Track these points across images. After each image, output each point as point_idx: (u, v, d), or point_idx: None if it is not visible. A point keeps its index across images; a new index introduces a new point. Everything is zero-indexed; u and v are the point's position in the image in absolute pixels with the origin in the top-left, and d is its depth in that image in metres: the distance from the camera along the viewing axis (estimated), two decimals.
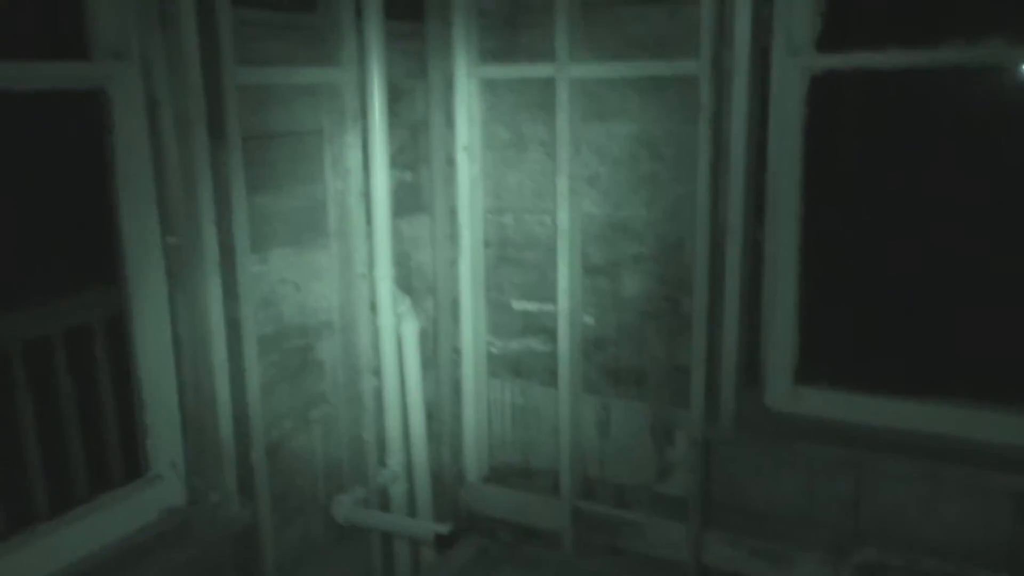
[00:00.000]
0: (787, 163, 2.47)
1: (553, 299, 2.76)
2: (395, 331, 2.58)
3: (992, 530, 2.33)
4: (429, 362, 2.81)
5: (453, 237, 2.83)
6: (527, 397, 2.93)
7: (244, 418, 2.11)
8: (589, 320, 2.77)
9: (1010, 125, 2.32)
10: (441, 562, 2.79)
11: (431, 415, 2.81)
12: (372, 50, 2.39)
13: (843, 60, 2.38)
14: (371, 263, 2.48)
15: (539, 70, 2.65)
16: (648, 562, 2.72)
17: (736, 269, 2.49)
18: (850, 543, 2.46)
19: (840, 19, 2.38)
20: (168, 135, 1.90)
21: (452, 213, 2.82)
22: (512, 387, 2.94)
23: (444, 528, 2.36)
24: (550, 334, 2.81)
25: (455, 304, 2.88)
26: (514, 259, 2.86)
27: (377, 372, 2.56)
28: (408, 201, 2.71)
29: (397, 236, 2.63)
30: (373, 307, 2.51)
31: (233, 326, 2.07)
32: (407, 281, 2.72)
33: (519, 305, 2.88)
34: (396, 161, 2.61)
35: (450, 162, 2.79)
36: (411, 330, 2.63)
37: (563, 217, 2.68)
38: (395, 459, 2.64)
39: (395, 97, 2.57)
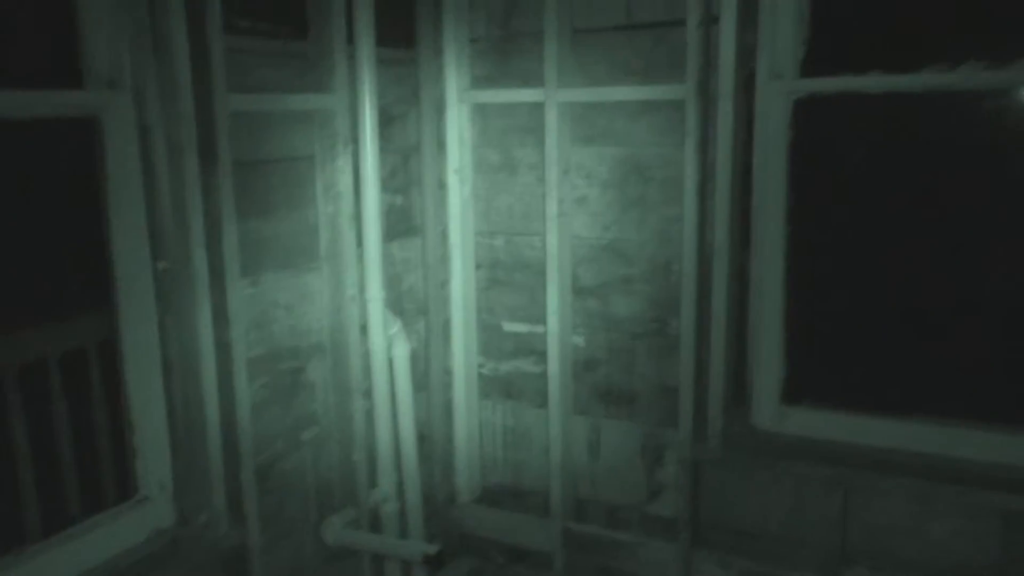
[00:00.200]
0: (772, 186, 2.50)
1: (543, 321, 2.78)
2: (386, 353, 2.61)
3: (981, 549, 2.34)
4: (420, 383, 2.83)
5: (444, 259, 2.86)
6: (518, 418, 2.95)
7: (233, 439, 2.13)
8: (579, 341, 2.80)
9: (994, 148, 2.35)
10: None
11: (423, 436, 2.83)
12: (364, 76, 2.43)
13: (826, 84, 2.42)
14: (362, 286, 2.51)
15: (529, 95, 2.69)
16: None
17: (723, 290, 2.51)
18: (839, 562, 2.47)
19: (823, 44, 2.42)
20: (160, 162, 1.94)
21: (443, 236, 2.85)
22: (503, 408, 2.96)
23: (432, 548, 2.38)
24: (541, 356, 2.83)
25: (446, 326, 2.90)
26: (505, 281, 2.88)
27: (368, 394, 2.58)
28: (400, 224, 2.74)
29: (389, 259, 2.66)
30: (364, 329, 2.54)
31: (223, 348, 2.10)
32: (399, 303, 2.75)
33: (510, 327, 2.90)
34: (388, 185, 2.64)
35: (441, 185, 2.83)
36: (402, 352, 2.65)
37: (553, 240, 2.71)
38: (386, 480, 2.66)
39: (386, 122, 2.61)
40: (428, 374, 2.87)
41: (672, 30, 2.49)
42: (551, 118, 2.64)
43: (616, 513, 2.82)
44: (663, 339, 2.67)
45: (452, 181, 2.83)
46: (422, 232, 2.82)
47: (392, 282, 2.70)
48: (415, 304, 2.83)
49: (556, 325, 2.74)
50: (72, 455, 2.36)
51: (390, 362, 2.64)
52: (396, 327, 2.63)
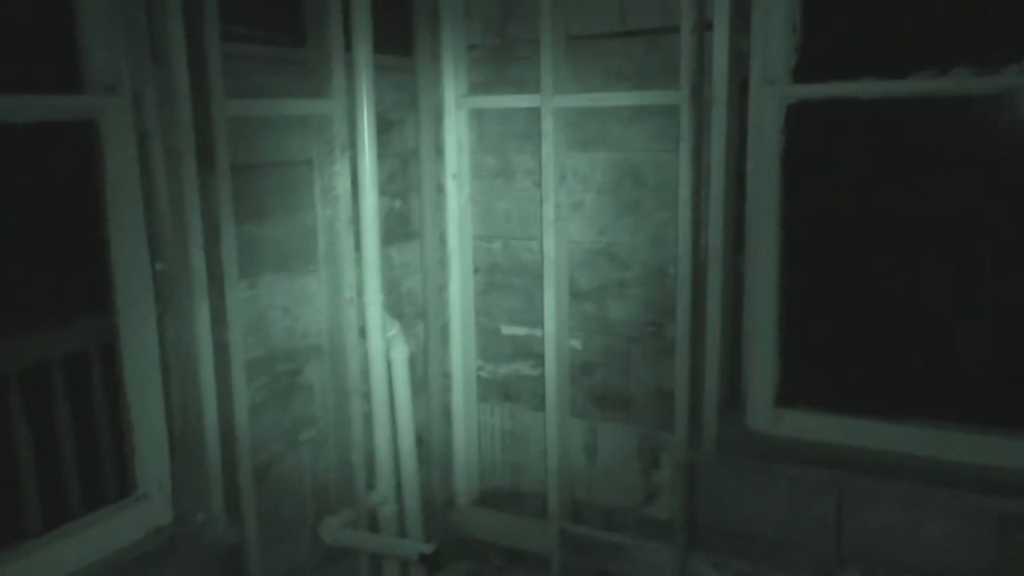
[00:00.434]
0: (765, 190, 2.52)
1: (541, 324, 2.81)
2: (384, 355, 2.63)
3: (975, 551, 2.35)
4: (419, 386, 2.86)
5: (443, 263, 2.89)
6: (516, 421, 2.97)
7: (231, 440, 2.17)
8: (576, 345, 2.82)
9: (985, 152, 2.36)
10: None
11: (421, 439, 2.85)
12: (361, 83, 2.46)
13: (818, 90, 2.45)
14: (360, 289, 2.54)
15: (525, 101, 2.73)
16: None
17: (718, 294, 2.53)
18: (833, 565, 2.48)
19: (815, 51, 2.45)
20: (158, 166, 1.97)
21: (442, 240, 2.88)
22: (502, 411, 2.99)
23: (428, 547, 2.40)
24: (538, 359, 2.86)
25: (445, 329, 2.93)
26: (503, 285, 2.91)
27: (367, 396, 2.61)
28: (398, 228, 2.78)
29: (387, 262, 2.70)
30: (362, 332, 2.57)
31: (221, 350, 2.13)
32: (398, 307, 2.78)
33: (508, 330, 2.93)
34: (386, 189, 2.68)
35: (439, 190, 2.86)
36: (401, 354, 2.68)
37: (550, 244, 2.74)
38: (385, 482, 2.68)
39: (385, 128, 2.64)
40: (427, 377, 2.90)
41: (666, 36, 2.52)
42: (547, 124, 2.67)
43: (613, 515, 2.84)
44: (659, 342, 2.69)
45: (450, 186, 2.86)
46: (420, 236, 2.85)
47: (391, 286, 2.73)
48: (414, 307, 2.86)
49: (553, 328, 2.77)
50: (73, 454, 2.39)
51: (388, 365, 2.67)
52: (394, 330, 2.66)
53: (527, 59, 2.71)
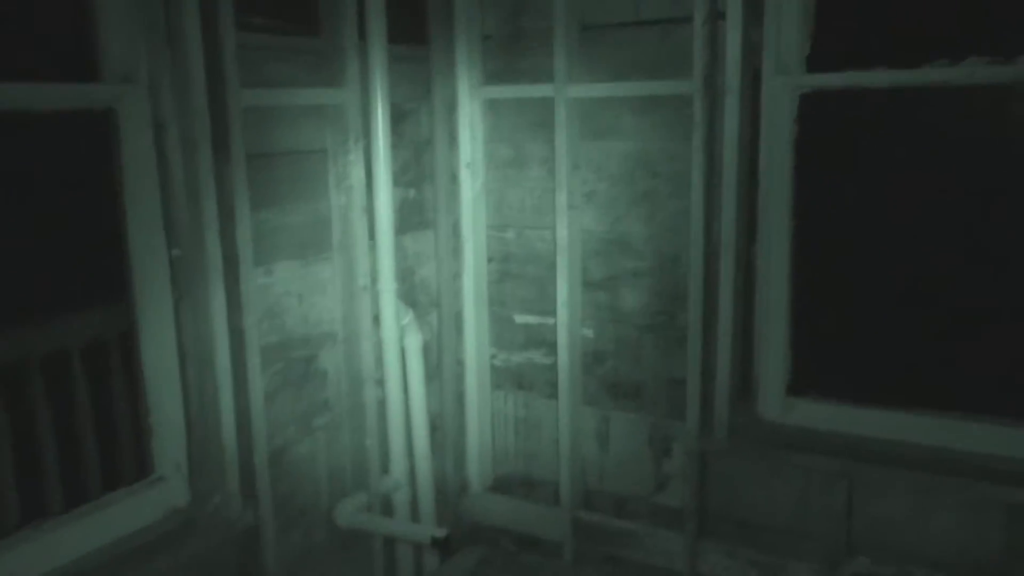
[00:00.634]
0: (778, 180, 2.53)
1: (554, 313, 2.83)
2: (398, 343, 2.67)
3: (984, 541, 2.35)
4: (433, 374, 2.89)
5: (456, 252, 2.92)
6: (529, 409, 2.99)
7: (247, 424, 2.20)
8: (589, 333, 2.84)
9: (999, 142, 2.35)
10: (444, 570, 2.85)
11: (435, 426, 2.89)
12: (375, 72, 2.49)
13: (831, 79, 2.44)
14: (374, 277, 2.57)
15: (539, 90, 2.74)
16: (646, 571, 2.76)
17: (730, 284, 2.54)
18: (843, 554, 2.49)
19: (828, 40, 2.44)
20: (174, 154, 2.01)
21: (455, 229, 2.91)
22: (515, 399, 3.01)
23: (441, 531, 2.43)
24: (551, 347, 2.88)
25: (459, 317, 2.96)
26: (516, 274, 2.93)
27: (380, 383, 2.64)
28: (412, 217, 2.80)
29: (401, 251, 2.73)
30: (376, 319, 2.60)
31: (236, 335, 2.17)
32: (412, 295, 2.81)
33: (521, 319, 2.95)
34: (400, 179, 2.70)
35: (453, 179, 2.88)
36: (414, 342, 2.71)
37: (563, 233, 2.75)
38: (398, 468, 2.72)
39: (399, 117, 2.67)
40: (440, 365, 2.93)
41: (679, 26, 2.53)
42: (560, 113, 2.68)
43: (624, 503, 2.86)
44: (671, 331, 2.70)
45: (464, 175, 2.88)
46: (434, 225, 2.88)
47: (405, 274, 2.76)
48: (428, 296, 2.89)
49: (566, 317, 2.79)
50: (93, 437, 2.45)
51: (402, 352, 2.70)
52: (408, 318, 2.69)
53: (541, 49, 2.72)
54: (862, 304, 2.54)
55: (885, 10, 2.40)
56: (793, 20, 2.44)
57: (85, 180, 2.09)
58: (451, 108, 2.84)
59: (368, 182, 2.52)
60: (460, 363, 2.99)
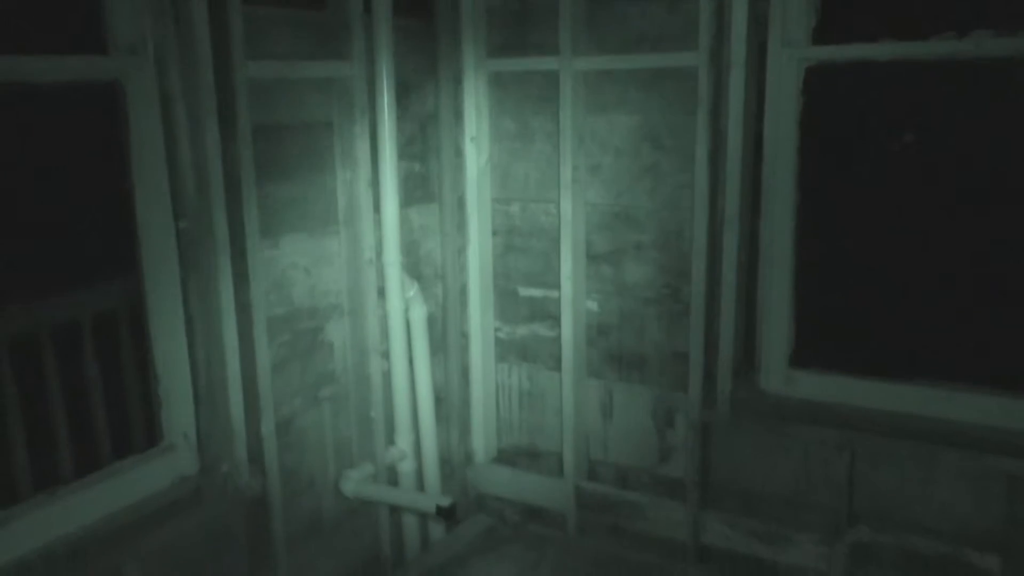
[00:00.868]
0: (782, 154, 2.53)
1: (558, 286, 2.84)
2: (404, 315, 2.69)
3: (984, 512, 2.37)
4: (438, 346, 2.92)
5: (461, 226, 2.93)
6: (533, 381, 3.02)
7: (254, 394, 2.23)
8: (593, 306, 2.86)
9: (1003, 116, 2.35)
10: (449, 539, 2.89)
11: (439, 397, 2.92)
12: (381, 46, 2.49)
13: (837, 52, 2.44)
14: (380, 250, 2.59)
15: (544, 63, 2.74)
16: (649, 541, 2.80)
17: (733, 257, 2.55)
18: (844, 524, 2.51)
19: (834, 12, 2.43)
20: (180, 126, 2.03)
21: (460, 203, 2.92)
22: (519, 371, 3.04)
23: (446, 500, 2.46)
24: (555, 320, 2.90)
25: (463, 290, 2.98)
26: (520, 247, 2.95)
27: (386, 355, 2.67)
28: (418, 191, 2.81)
29: (407, 225, 2.74)
30: (382, 292, 2.62)
31: (243, 307, 2.19)
32: (417, 268, 2.82)
33: (525, 292, 2.97)
34: (406, 152, 2.71)
35: (458, 153, 2.89)
36: (419, 315, 2.73)
37: (567, 206, 2.76)
38: (404, 439, 2.75)
39: (404, 91, 2.67)
40: (445, 337, 2.96)
41: None
42: (566, 87, 2.68)
43: (628, 474, 2.89)
44: (674, 304, 2.72)
45: (469, 149, 2.89)
46: (439, 199, 2.89)
47: (410, 247, 2.78)
48: (433, 269, 2.91)
49: (570, 290, 2.81)
50: (103, 407, 2.49)
51: (407, 324, 2.72)
52: (413, 290, 2.71)
53: (546, 22, 2.71)
54: (865, 276, 2.55)
55: None
56: None
57: (96, 154, 2.11)
58: (456, 81, 2.84)
59: (373, 155, 2.53)
60: (465, 336, 3.01)
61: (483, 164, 2.91)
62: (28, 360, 2.43)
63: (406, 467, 2.77)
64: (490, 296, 3.01)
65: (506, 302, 3.01)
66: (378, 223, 2.58)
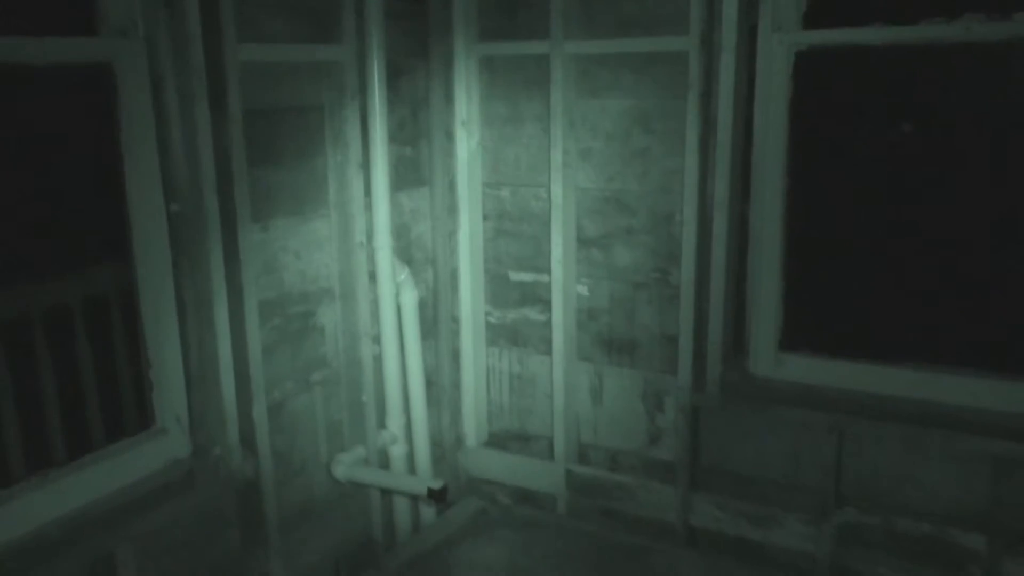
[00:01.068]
0: (772, 139, 2.54)
1: (548, 270, 2.85)
2: (394, 299, 2.69)
3: (970, 493, 2.40)
4: (429, 331, 2.92)
5: (452, 210, 2.93)
6: (524, 365, 3.03)
7: (246, 378, 2.23)
8: (583, 291, 2.87)
9: (993, 99, 2.37)
10: (440, 522, 2.90)
11: (430, 381, 2.92)
12: (372, 28, 2.48)
13: (827, 36, 2.45)
14: (370, 233, 2.59)
15: (535, 47, 2.73)
16: (639, 523, 2.82)
17: (723, 241, 2.57)
18: (831, 505, 2.54)
19: None
20: (172, 109, 2.02)
21: (451, 187, 2.92)
22: (510, 355, 3.05)
23: (437, 483, 2.47)
24: (546, 304, 2.91)
25: (454, 275, 2.98)
26: (511, 231, 2.95)
27: (377, 339, 2.67)
28: (408, 175, 2.81)
29: (398, 209, 2.74)
30: (372, 276, 2.62)
31: (235, 290, 2.19)
32: (408, 252, 2.83)
33: (516, 276, 2.98)
34: (396, 136, 2.71)
35: (449, 137, 2.89)
36: (410, 299, 2.74)
37: (558, 191, 2.77)
38: (395, 422, 2.76)
39: (395, 74, 2.66)
40: (436, 322, 2.96)
41: None
42: (557, 70, 2.68)
43: (618, 457, 2.91)
44: (664, 288, 2.73)
45: (460, 133, 2.89)
46: (430, 183, 2.89)
47: (401, 231, 2.78)
48: (423, 253, 2.91)
49: (561, 275, 2.81)
50: (95, 390, 2.48)
51: (398, 309, 2.73)
52: (404, 275, 2.72)
53: (537, 5, 2.71)
54: (853, 261, 2.57)
55: None
56: None
57: (88, 137, 2.10)
58: (447, 65, 2.84)
59: (364, 139, 2.53)
60: (455, 320, 3.02)
61: (474, 148, 2.91)
62: (20, 344, 2.43)
63: (397, 451, 2.78)
64: (480, 280, 3.02)
65: (497, 286, 3.02)
66: (369, 207, 2.58)
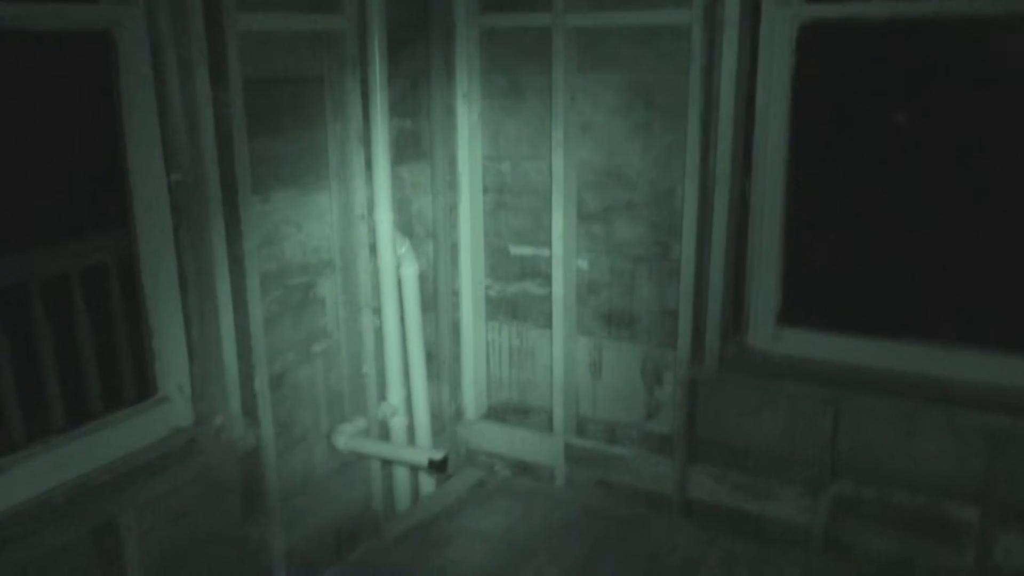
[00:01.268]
0: (775, 113, 2.54)
1: (549, 244, 2.86)
2: (395, 272, 2.70)
3: (964, 466, 2.42)
4: (429, 304, 2.93)
5: (453, 184, 2.93)
6: (523, 338, 3.04)
7: (247, 348, 2.25)
8: (583, 265, 2.88)
9: (993, 73, 2.36)
10: (439, 493, 2.93)
11: (430, 354, 2.94)
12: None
13: (830, 10, 2.44)
14: (371, 206, 2.59)
15: (536, 19, 2.72)
16: (636, 495, 2.85)
17: (724, 215, 2.57)
18: (827, 477, 2.56)
19: None
20: (172, 78, 2.01)
21: (451, 160, 2.92)
22: (509, 329, 3.06)
23: (438, 453, 2.49)
24: (546, 278, 2.92)
25: (454, 248, 2.99)
26: (511, 205, 2.96)
27: (378, 311, 2.68)
28: (409, 148, 2.81)
29: (398, 182, 2.74)
30: (373, 249, 2.62)
31: (236, 261, 2.19)
32: (408, 226, 2.83)
33: (516, 250, 2.98)
34: (397, 109, 2.70)
35: (450, 110, 2.88)
36: (411, 272, 2.74)
37: (558, 164, 2.77)
38: (395, 394, 2.77)
39: (396, 47, 2.65)
40: (436, 295, 2.97)
41: None
42: (558, 43, 2.67)
43: (616, 430, 2.93)
44: (664, 263, 2.74)
45: (460, 106, 2.88)
46: (431, 156, 2.88)
47: (401, 205, 2.78)
48: (424, 227, 2.91)
49: (561, 249, 2.82)
50: (97, 359, 2.49)
51: (399, 281, 2.73)
52: (405, 247, 2.72)
53: None
54: (853, 236, 2.58)
55: None
56: None
57: (89, 107, 2.09)
58: (448, 37, 2.83)
59: (365, 111, 2.52)
60: (455, 293, 3.02)
61: (474, 121, 2.91)
62: (19, 313, 2.44)
63: (397, 423, 2.80)
64: (481, 254, 3.03)
65: (497, 260, 3.03)
66: (369, 180, 2.58)
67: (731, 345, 2.68)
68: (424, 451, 2.66)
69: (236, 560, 2.32)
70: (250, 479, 2.33)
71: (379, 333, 2.70)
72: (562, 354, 2.90)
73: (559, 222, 2.80)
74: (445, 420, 3.05)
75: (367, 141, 2.55)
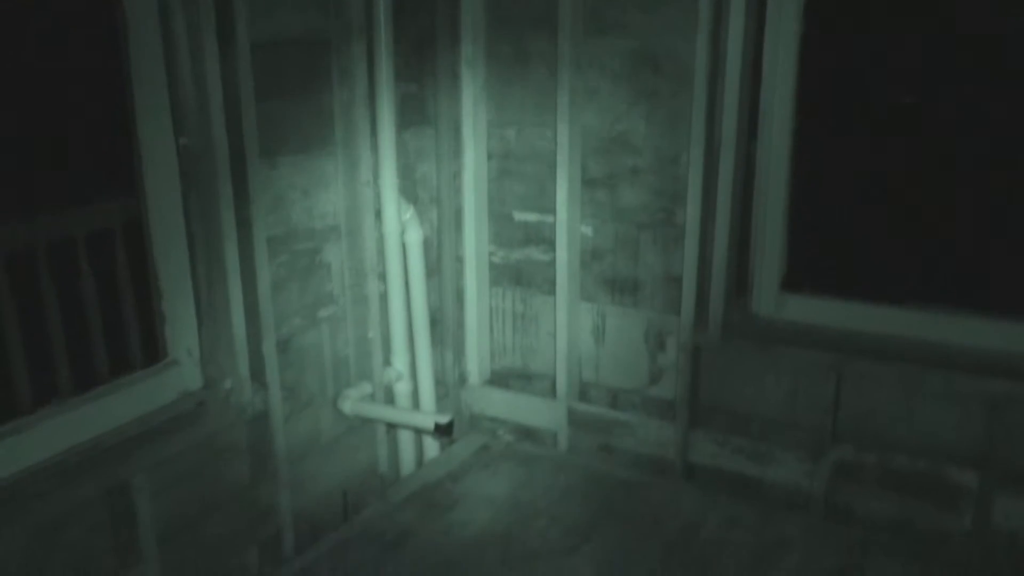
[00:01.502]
0: (781, 78, 2.53)
1: (553, 210, 2.86)
2: (399, 237, 2.70)
3: (965, 432, 2.45)
4: (433, 270, 2.94)
5: (457, 149, 2.93)
6: (527, 305, 3.06)
7: (255, 312, 2.26)
8: (587, 231, 2.88)
9: (1004, 38, 2.36)
10: (444, 457, 2.96)
11: (435, 320, 2.95)
12: None
13: None
14: (376, 172, 2.59)
15: None
16: (638, 459, 2.88)
17: (729, 181, 2.57)
18: (828, 443, 2.59)
19: None
20: (180, 40, 2.00)
21: (456, 126, 2.91)
22: (513, 295, 3.08)
23: (444, 417, 2.52)
24: (550, 244, 2.92)
25: (458, 214, 2.99)
26: (516, 171, 2.95)
27: (383, 276, 2.69)
28: (413, 114, 2.80)
29: (403, 147, 2.73)
30: (378, 214, 2.63)
31: (244, 225, 2.20)
32: (412, 191, 2.83)
33: (520, 216, 2.99)
34: (402, 74, 2.69)
35: (454, 76, 2.87)
36: (415, 237, 2.75)
37: (563, 130, 2.76)
38: (400, 360, 2.79)
39: (401, 10, 2.63)
40: (440, 260, 2.98)
41: None
42: (564, 8, 2.65)
43: (619, 396, 2.95)
44: (669, 229, 2.74)
45: (465, 72, 2.87)
46: (435, 122, 2.88)
47: (406, 170, 2.77)
48: (428, 193, 2.91)
49: (565, 215, 2.82)
50: (105, 322, 2.50)
51: (403, 247, 2.74)
52: (409, 213, 2.72)
53: None
54: (858, 202, 2.59)
55: None
56: None
57: (98, 70, 2.08)
58: (453, 2, 2.81)
59: (370, 76, 2.51)
60: (459, 259, 3.03)
61: (479, 87, 2.90)
62: (26, 277, 2.44)
63: (402, 388, 2.82)
64: (485, 220, 3.03)
65: (501, 226, 3.03)
66: (374, 146, 2.57)
67: (735, 311, 2.69)
68: (430, 415, 2.68)
69: (245, 521, 2.35)
70: (258, 442, 2.36)
71: (384, 299, 2.71)
72: (566, 320, 2.91)
73: (563, 188, 2.80)
74: (449, 385, 3.08)
75: (372, 106, 2.54)
